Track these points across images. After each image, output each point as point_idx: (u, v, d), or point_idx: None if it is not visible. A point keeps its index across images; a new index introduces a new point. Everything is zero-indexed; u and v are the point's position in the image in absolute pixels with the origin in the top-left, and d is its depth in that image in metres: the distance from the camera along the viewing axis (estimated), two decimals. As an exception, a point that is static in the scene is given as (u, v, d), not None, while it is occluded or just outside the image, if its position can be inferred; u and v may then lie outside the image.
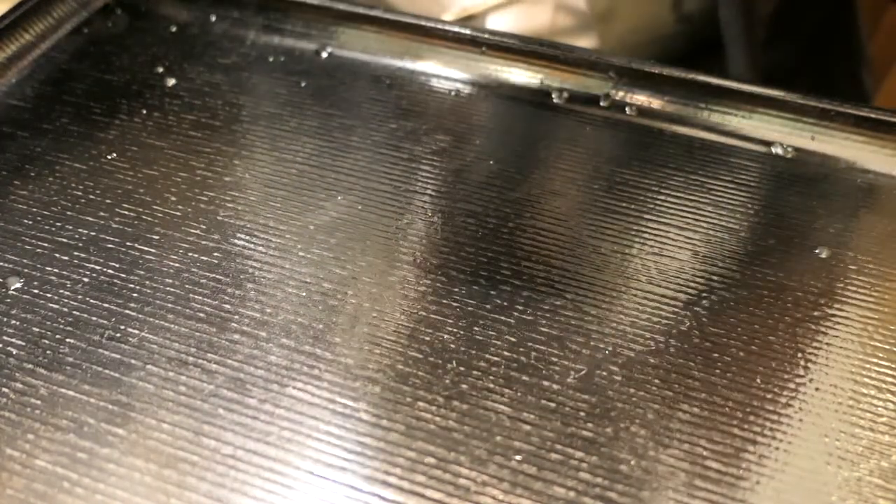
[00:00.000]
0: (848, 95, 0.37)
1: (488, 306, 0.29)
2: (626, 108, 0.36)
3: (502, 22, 0.44)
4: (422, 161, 0.34)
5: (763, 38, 0.42)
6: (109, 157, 0.34)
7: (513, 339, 0.28)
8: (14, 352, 0.27)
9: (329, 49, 0.39)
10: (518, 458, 0.25)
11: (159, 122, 0.35)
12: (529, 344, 0.28)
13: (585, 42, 0.45)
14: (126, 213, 0.32)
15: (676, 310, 0.29)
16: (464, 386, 0.26)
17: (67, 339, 0.27)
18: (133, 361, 0.27)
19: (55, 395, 0.26)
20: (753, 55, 0.41)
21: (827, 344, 0.28)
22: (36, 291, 0.29)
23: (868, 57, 0.50)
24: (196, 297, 0.29)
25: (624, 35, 0.45)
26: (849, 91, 0.49)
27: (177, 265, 0.30)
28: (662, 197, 0.33)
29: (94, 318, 0.28)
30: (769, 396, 0.27)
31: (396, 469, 0.25)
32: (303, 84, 0.37)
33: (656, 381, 0.27)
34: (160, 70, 0.38)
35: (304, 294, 0.29)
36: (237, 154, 0.34)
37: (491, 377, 0.27)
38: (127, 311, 0.28)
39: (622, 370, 0.27)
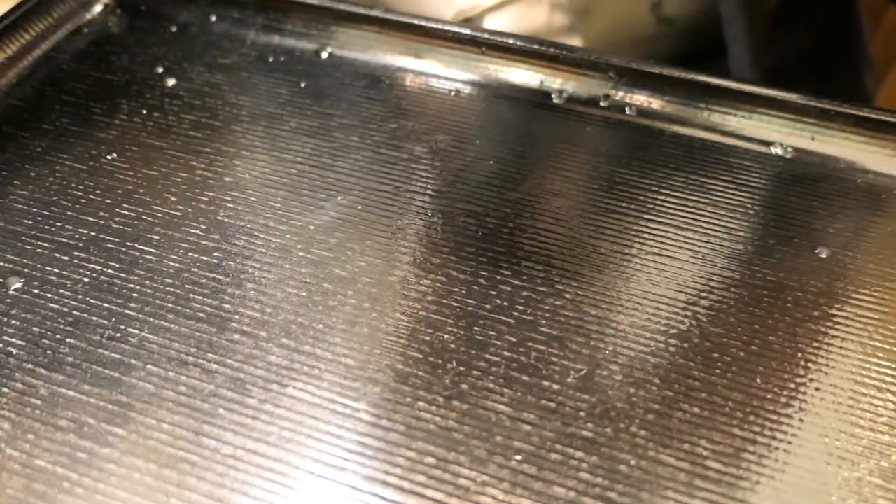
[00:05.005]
0: (849, 96, 0.37)
1: (488, 306, 0.29)
2: (626, 108, 0.36)
3: (499, 23, 0.44)
4: (422, 161, 0.34)
5: (765, 35, 0.42)
6: (109, 157, 0.34)
7: (513, 339, 0.28)
8: (14, 352, 0.27)
9: (329, 49, 0.39)
10: (518, 458, 0.25)
11: (159, 122, 0.35)
12: (529, 344, 0.28)
13: (579, 40, 0.45)
14: (126, 213, 0.32)
15: (676, 310, 0.29)
16: (464, 386, 0.26)
17: (67, 339, 0.27)
18: (133, 361, 0.27)
19: (55, 395, 0.26)
20: (756, 51, 0.41)
21: (827, 344, 0.28)
22: (36, 291, 0.29)
23: (870, 58, 0.50)
24: (196, 297, 0.29)
25: (603, 33, 0.45)
26: (850, 92, 0.49)
27: (177, 265, 0.30)
28: (662, 197, 0.33)
29: (94, 318, 0.28)
30: (769, 396, 0.27)
31: (396, 469, 0.25)
32: (303, 84, 0.37)
33: (656, 381, 0.27)
34: (160, 70, 0.38)
35: (304, 294, 0.29)
36: (237, 154, 0.34)
37: (491, 377, 0.27)
38: (127, 311, 0.28)
39: (622, 370, 0.27)
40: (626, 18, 0.45)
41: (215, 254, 0.30)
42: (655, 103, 0.36)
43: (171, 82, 0.37)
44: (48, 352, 0.27)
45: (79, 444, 0.25)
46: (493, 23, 0.44)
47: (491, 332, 0.28)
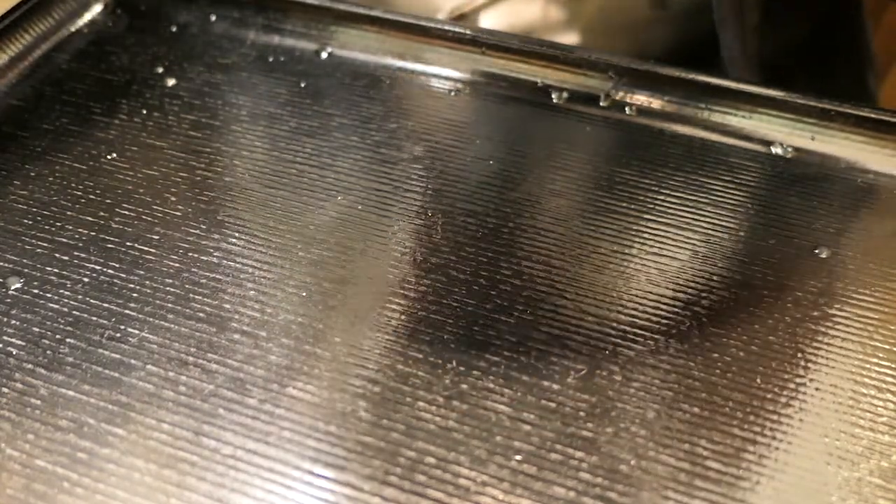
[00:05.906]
0: (851, 95, 0.37)
1: (488, 307, 0.29)
2: (626, 108, 0.36)
3: (494, 19, 0.44)
4: (422, 161, 0.34)
5: (756, 23, 0.41)
6: (109, 157, 0.34)
7: (513, 339, 0.28)
8: (14, 352, 0.27)
9: (329, 49, 0.39)
10: (518, 458, 0.25)
11: (159, 122, 0.35)
12: (529, 344, 0.28)
13: (576, 35, 0.45)
14: (126, 213, 0.32)
15: (676, 310, 0.29)
16: (464, 386, 0.26)
17: (67, 339, 0.27)
18: (133, 361, 0.27)
19: (55, 395, 0.26)
20: (746, 39, 0.40)
21: (827, 344, 0.28)
22: (36, 291, 0.29)
23: (872, 56, 0.50)
24: (196, 297, 0.29)
25: (597, 18, 0.44)
26: (852, 90, 0.49)
27: (177, 265, 0.30)
28: (662, 197, 0.33)
29: (94, 318, 0.28)
30: (769, 396, 0.27)
31: (396, 469, 0.25)
32: (303, 84, 0.37)
33: (656, 381, 0.27)
34: (160, 70, 0.38)
35: (304, 294, 0.29)
36: (237, 154, 0.34)
37: (491, 377, 0.27)
38: (127, 311, 0.28)
39: (622, 370, 0.27)
40: (620, 2, 0.45)
41: (215, 254, 0.30)
42: (655, 103, 0.36)
43: (171, 82, 0.37)
44: (48, 352, 0.27)
45: (79, 444, 0.25)
46: (488, 19, 0.44)
47: (491, 332, 0.28)
